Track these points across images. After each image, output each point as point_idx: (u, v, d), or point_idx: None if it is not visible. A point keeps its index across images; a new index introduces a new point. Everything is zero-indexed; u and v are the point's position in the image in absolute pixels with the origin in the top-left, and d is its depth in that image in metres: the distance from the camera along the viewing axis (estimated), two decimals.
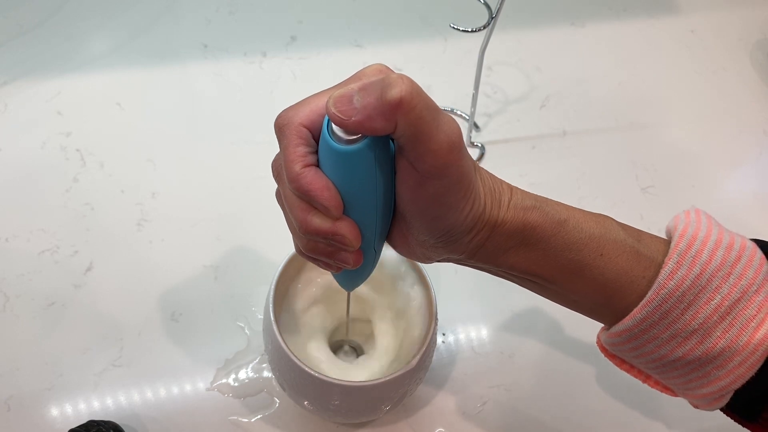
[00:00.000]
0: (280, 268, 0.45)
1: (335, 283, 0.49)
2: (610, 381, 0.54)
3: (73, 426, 0.46)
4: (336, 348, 0.49)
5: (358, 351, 0.50)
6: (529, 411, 0.52)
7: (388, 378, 0.41)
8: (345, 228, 0.30)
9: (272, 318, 0.42)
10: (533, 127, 0.68)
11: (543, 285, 0.34)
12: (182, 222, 0.58)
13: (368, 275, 0.36)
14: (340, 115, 0.26)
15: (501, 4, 0.54)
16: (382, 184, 0.29)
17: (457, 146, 0.27)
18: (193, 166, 0.62)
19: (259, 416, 0.49)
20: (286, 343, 0.42)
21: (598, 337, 0.37)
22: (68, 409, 0.49)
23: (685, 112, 0.71)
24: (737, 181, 0.67)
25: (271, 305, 0.43)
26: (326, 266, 0.33)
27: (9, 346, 0.51)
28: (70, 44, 0.69)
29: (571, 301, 0.35)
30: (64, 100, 0.65)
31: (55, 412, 0.48)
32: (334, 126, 0.27)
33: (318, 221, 0.29)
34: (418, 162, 0.28)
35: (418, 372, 0.44)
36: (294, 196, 0.30)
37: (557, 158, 0.66)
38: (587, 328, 0.56)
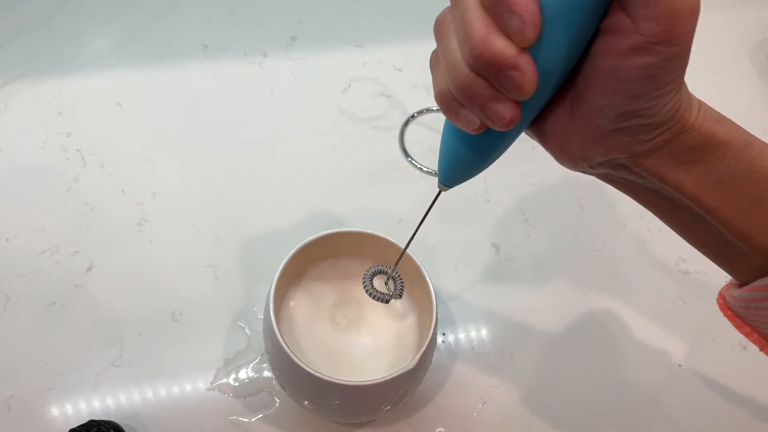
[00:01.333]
0: (280, 268, 0.45)
1: (336, 284, 0.50)
2: (610, 380, 0.54)
3: (74, 426, 0.46)
4: (373, 276, 0.43)
5: (395, 291, 0.43)
6: (529, 411, 0.52)
7: (388, 378, 0.41)
8: (528, 63, 0.24)
9: (272, 318, 0.42)
10: None
11: (697, 217, 0.30)
12: (182, 222, 0.58)
13: (497, 157, 0.30)
14: None
15: None
16: (583, 29, 0.24)
17: (697, 12, 0.23)
18: (193, 166, 0.62)
19: (259, 416, 0.49)
20: (286, 343, 0.42)
21: (721, 294, 0.34)
22: (69, 408, 0.49)
23: None
24: None
25: (271, 305, 0.43)
26: (465, 122, 0.27)
27: (9, 346, 0.51)
28: (70, 44, 0.69)
29: (718, 242, 0.31)
30: (65, 100, 0.65)
31: (55, 411, 0.48)
32: None
33: (502, 44, 0.23)
34: (650, 21, 0.23)
35: (418, 372, 0.44)
36: (478, 8, 0.24)
37: None
38: (587, 328, 0.57)
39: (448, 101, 0.27)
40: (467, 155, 0.29)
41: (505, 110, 0.25)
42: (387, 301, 0.42)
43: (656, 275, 0.60)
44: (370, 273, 0.43)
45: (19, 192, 0.59)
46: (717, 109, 0.30)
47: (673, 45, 0.24)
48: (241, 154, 0.63)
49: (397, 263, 0.42)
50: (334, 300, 0.49)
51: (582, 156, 0.29)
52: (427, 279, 0.45)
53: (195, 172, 0.62)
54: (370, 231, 0.47)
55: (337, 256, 0.49)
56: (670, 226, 0.32)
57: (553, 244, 0.61)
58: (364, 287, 0.42)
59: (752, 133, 0.30)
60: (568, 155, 0.29)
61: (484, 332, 0.55)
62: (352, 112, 0.67)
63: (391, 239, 0.46)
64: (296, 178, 0.62)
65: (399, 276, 0.43)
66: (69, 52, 0.68)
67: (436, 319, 0.44)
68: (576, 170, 0.31)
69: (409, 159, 0.64)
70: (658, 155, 0.28)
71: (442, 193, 0.33)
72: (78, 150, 0.62)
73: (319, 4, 0.76)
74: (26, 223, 0.57)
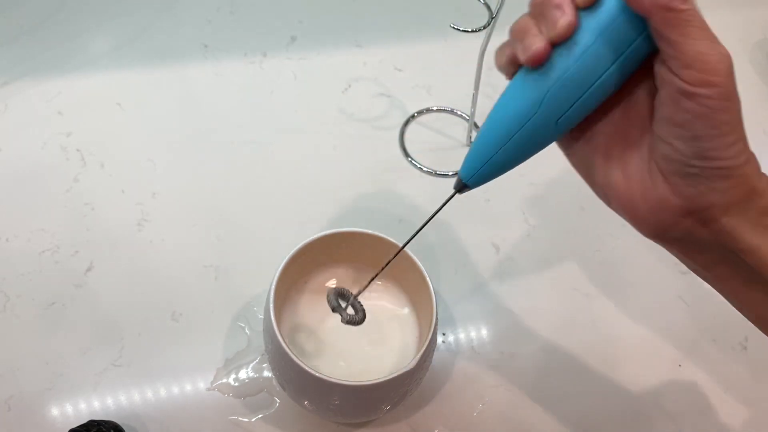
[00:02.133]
0: (280, 268, 0.45)
1: (336, 284, 0.50)
2: (610, 381, 0.54)
3: (74, 426, 0.46)
4: (337, 295, 0.42)
5: (356, 318, 0.41)
6: (529, 411, 0.52)
7: (388, 378, 0.41)
8: (570, 10, 0.29)
9: (272, 317, 0.42)
10: None
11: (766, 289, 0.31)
12: (182, 222, 0.58)
13: (524, 158, 0.34)
14: None
15: (501, 4, 0.54)
16: (621, 43, 0.29)
17: (727, 57, 0.28)
18: (193, 166, 0.62)
19: (259, 416, 0.49)
20: (286, 343, 0.42)
21: None
22: (69, 408, 0.49)
23: None
24: None
25: (271, 305, 0.43)
26: (508, 62, 0.32)
27: (9, 346, 0.51)
28: (70, 44, 0.69)
29: None
30: (64, 100, 0.65)
31: (55, 411, 0.48)
32: None
33: None
34: (686, 68, 0.28)
35: (418, 372, 0.44)
36: None
37: (557, 158, 0.66)
38: (587, 328, 0.57)
39: (506, 44, 0.32)
40: (498, 150, 0.32)
41: (537, 43, 0.29)
42: (340, 315, 0.40)
43: (656, 275, 0.60)
44: (334, 292, 0.41)
45: (19, 192, 0.59)
46: None
47: (713, 86, 0.27)
48: (241, 154, 0.63)
49: (360, 291, 0.41)
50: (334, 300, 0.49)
51: (662, 206, 0.30)
52: (427, 279, 0.45)
53: (195, 172, 0.62)
54: (370, 231, 0.47)
55: (337, 257, 0.49)
56: (739, 309, 0.33)
57: (553, 244, 0.61)
58: (327, 300, 0.41)
59: (752, 132, 0.30)
60: (644, 211, 0.31)
61: (484, 332, 0.55)
62: (352, 112, 0.67)
63: (392, 239, 0.46)
64: (296, 177, 0.62)
65: (360, 304, 0.41)
66: (69, 52, 0.68)
67: (436, 319, 0.44)
68: (655, 234, 0.32)
69: (409, 159, 0.64)
70: (733, 213, 0.29)
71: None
72: (78, 150, 0.62)
73: (319, 4, 0.76)
74: (26, 223, 0.57)
